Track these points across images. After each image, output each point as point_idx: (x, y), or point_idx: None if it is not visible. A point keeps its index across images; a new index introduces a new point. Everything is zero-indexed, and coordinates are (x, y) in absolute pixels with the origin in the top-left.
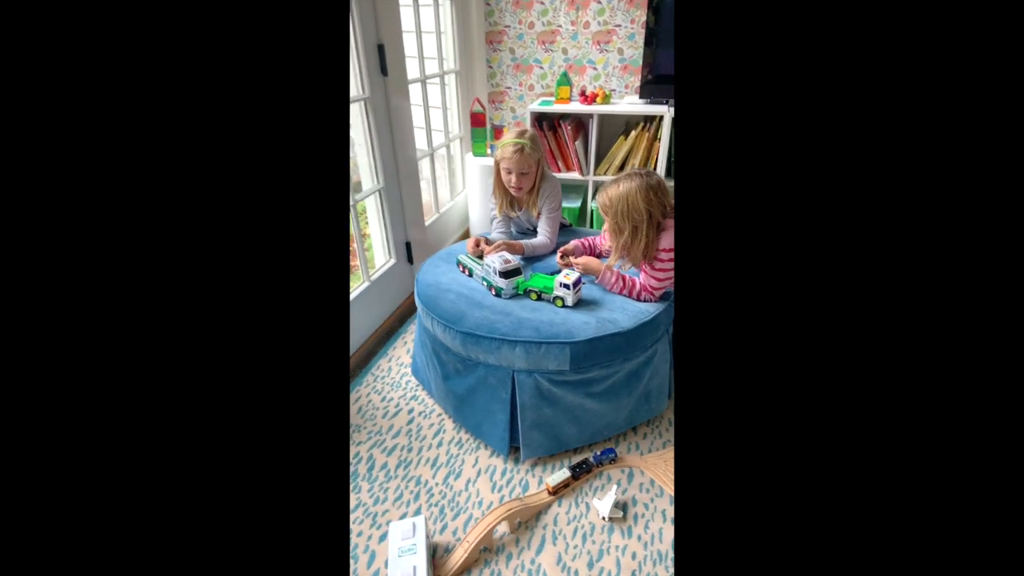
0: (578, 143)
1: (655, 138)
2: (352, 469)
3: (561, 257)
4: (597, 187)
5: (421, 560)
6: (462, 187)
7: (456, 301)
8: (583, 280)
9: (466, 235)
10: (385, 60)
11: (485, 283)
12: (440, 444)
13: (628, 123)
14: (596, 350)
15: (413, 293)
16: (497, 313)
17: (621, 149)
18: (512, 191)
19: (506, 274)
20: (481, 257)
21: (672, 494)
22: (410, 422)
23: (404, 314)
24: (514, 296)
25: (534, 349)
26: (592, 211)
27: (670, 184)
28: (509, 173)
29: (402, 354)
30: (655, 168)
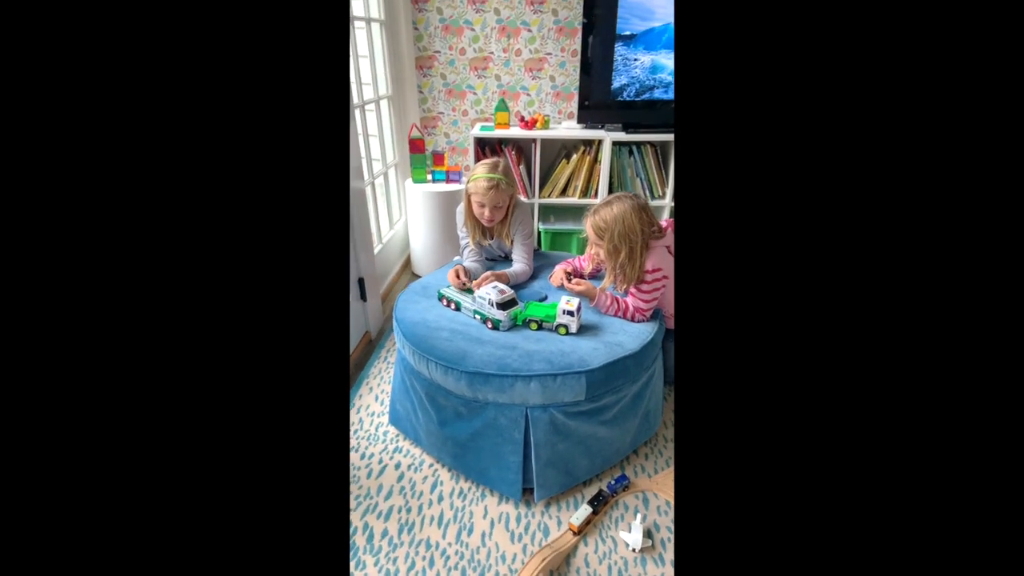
0: (521, 167)
1: (595, 160)
2: (350, 543)
3: (568, 279)
4: (543, 209)
5: None
6: (399, 215)
7: (452, 339)
8: (582, 308)
9: (407, 264)
10: None
11: (479, 317)
12: (441, 498)
13: (567, 147)
14: (610, 375)
15: (368, 331)
16: (502, 348)
17: (564, 172)
18: (484, 223)
19: (503, 305)
20: (464, 289)
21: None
22: (400, 478)
23: (362, 358)
24: (512, 328)
25: (550, 382)
26: (540, 233)
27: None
28: (482, 207)
29: (371, 402)
30: (597, 189)
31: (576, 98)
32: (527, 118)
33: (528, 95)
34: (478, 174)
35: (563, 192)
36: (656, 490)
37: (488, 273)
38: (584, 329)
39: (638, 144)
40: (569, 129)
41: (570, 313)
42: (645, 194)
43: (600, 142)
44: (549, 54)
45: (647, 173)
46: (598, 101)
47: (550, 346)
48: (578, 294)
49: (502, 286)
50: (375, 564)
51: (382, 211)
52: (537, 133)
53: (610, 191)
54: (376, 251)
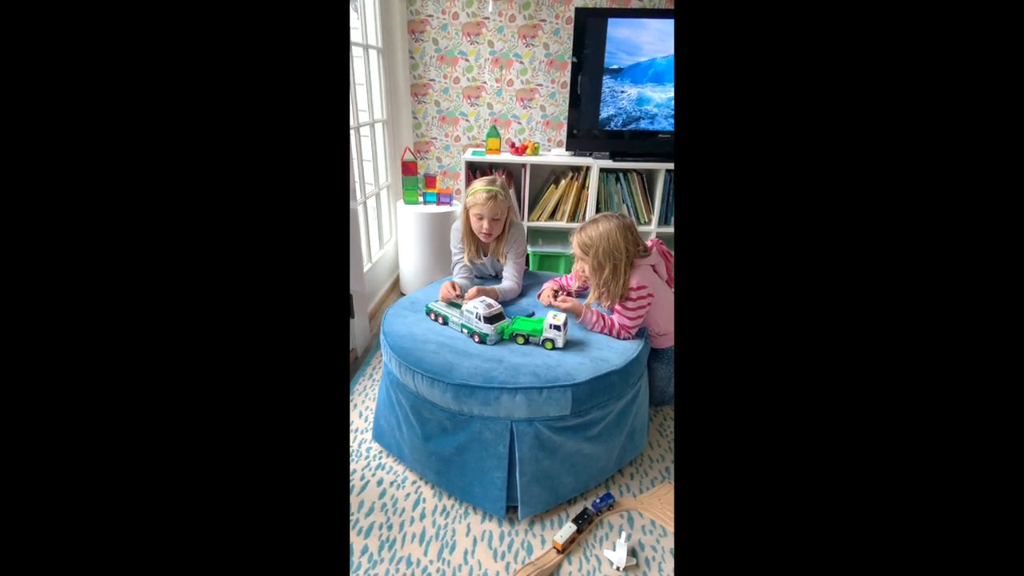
0: (511, 191)
1: (583, 186)
2: None
3: (555, 296)
4: (532, 232)
5: None
6: (390, 235)
7: (439, 352)
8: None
9: (396, 284)
10: None
11: (466, 331)
12: (423, 516)
13: (556, 173)
14: (595, 390)
15: (354, 348)
16: (489, 361)
17: (553, 196)
18: (482, 236)
19: (491, 319)
20: (454, 303)
21: (674, 532)
22: (382, 495)
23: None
24: (499, 342)
25: (535, 395)
26: (529, 255)
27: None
28: (480, 219)
29: (354, 419)
30: (584, 213)
31: (565, 127)
32: (518, 145)
33: (519, 123)
34: (477, 187)
35: (552, 216)
36: (642, 509)
37: (476, 288)
38: (570, 345)
39: (624, 172)
40: (558, 156)
41: (557, 328)
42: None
43: (588, 169)
44: (540, 85)
45: (633, 200)
46: (586, 130)
47: (536, 360)
48: (565, 311)
49: (490, 300)
50: None
51: (373, 231)
52: (527, 159)
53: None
54: (365, 269)
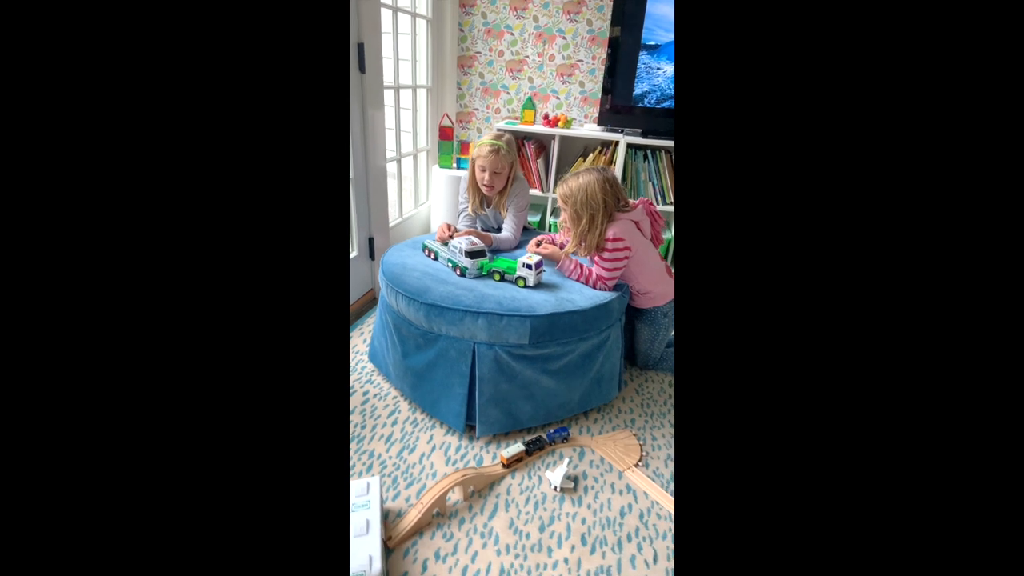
0: (540, 162)
1: (610, 161)
2: None
3: (536, 244)
4: (555, 204)
5: (375, 515)
6: (426, 198)
7: (421, 278)
8: (544, 265)
9: None
10: (364, 58)
11: (450, 264)
12: (395, 423)
13: (586, 147)
14: (555, 326)
15: (372, 288)
16: (461, 289)
17: (580, 168)
18: (484, 189)
19: (472, 254)
20: (447, 242)
21: (621, 470)
22: (365, 402)
23: (362, 309)
24: (478, 277)
25: (496, 321)
26: (550, 225)
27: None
28: (483, 171)
29: (358, 343)
30: None
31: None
32: (551, 117)
33: (557, 98)
34: (483, 140)
35: None
36: (594, 447)
37: (469, 230)
38: (544, 286)
39: (654, 149)
40: (590, 130)
41: (528, 267)
42: (657, 198)
43: (616, 144)
44: (580, 61)
45: (660, 178)
46: (619, 105)
47: (505, 293)
48: (544, 256)
49: (474, 239)
50: None
51: (408, 189)
52: (557, 131)
53: None
54: (394, 223)
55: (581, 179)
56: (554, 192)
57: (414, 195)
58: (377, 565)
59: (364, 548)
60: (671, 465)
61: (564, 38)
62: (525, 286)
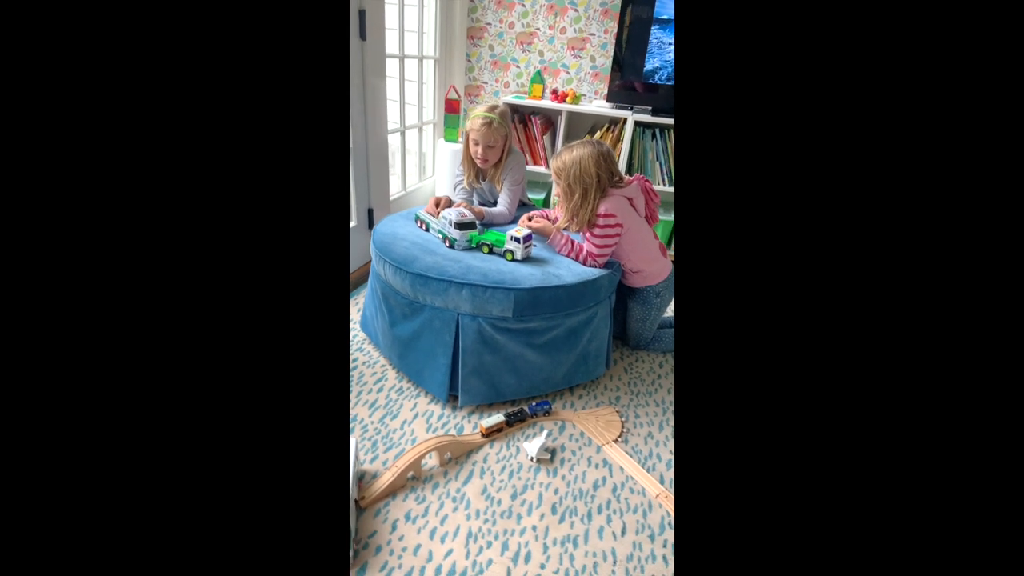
0: (546, 138)
1: (618, 140)
2: None
3: (528, 219)
4: None
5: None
6: (431, 172)
7: (410, 248)
8: (533, 240)
9: None
10: (365, 25)
11: (440, 235)
12: (381, 390)
13: (594, 124)
14: (539, 300)
15: (370, 259)
16: (447, 260)
17: None
18: (478, 162)
19: (461, 226)
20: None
21: (600, 445)
22: (353, 369)
23: (359, 279)
24: (467, 249)
25: (480, 292)
26: (555, 203)
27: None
28: (476, 144)
29: (352, 312)
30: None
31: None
32: (559, 92)
33: (568, 72)
34: (476, 113)
35: None
36: (576, 421)
37: (462, 202)
38: (533, 260)
39: (662, 128)
40: (598, 107)
41: (516, 240)
42: (663, 178)
43: (624, 121)
44: (592, 35)
45: (667, 158)
46: (629, 81)
47: (491, 265)
48: (535, 230)
49: (464, 210)
50: None
51: (413, 162)
52: (565, 106)
53: (628, 172)
54: (398, 195)
55: (575, 152)
56: None
57: (419, 168)
58: None
59: None
60: (650, 442)
61: (576, 10)
62: (513, 259)
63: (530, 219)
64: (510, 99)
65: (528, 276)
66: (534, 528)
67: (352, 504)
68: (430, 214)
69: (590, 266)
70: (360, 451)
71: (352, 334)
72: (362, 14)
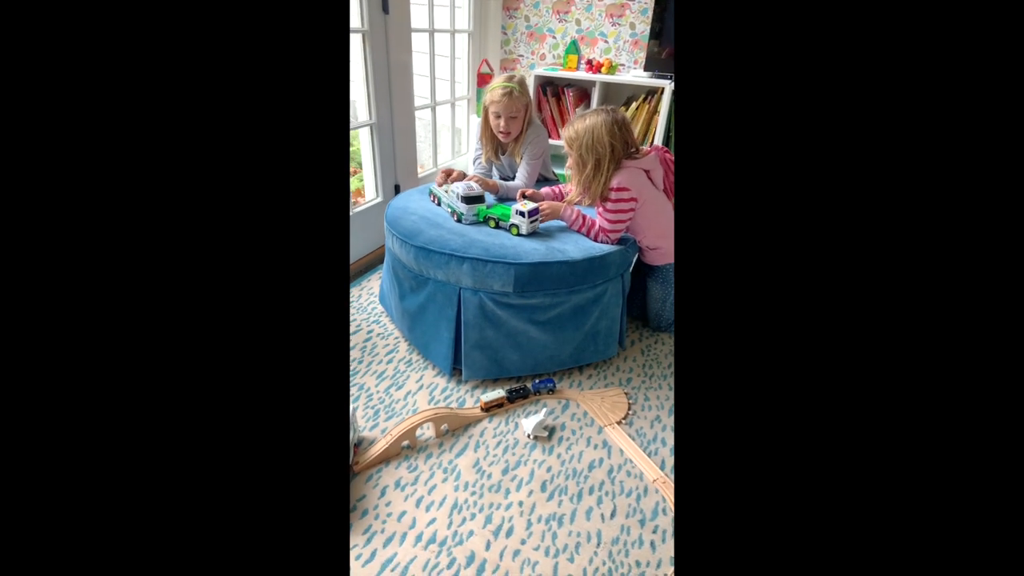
0: (579, 109)
1: (655, 110)
2: None
3: (522, 196)
4: None
5: None
6: (465, 150)
7: (417, 222)
8: (539, 214)
9: None
10: None
11: (450, 209)
12: (391, 361)
13: (631, 95)
14: (541, 276)
15: None
16: (452, 233)
17: None
18: (500, 136)
19: (468, 199)
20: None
21: (602, 426)
22: (367, 340)
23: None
24: (474, 223)
25: (480, 267)
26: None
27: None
28: (498, 117)
29: (375, 286)
30: (652, 140)
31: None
32: (594, 62)
33: (606, 42)
34: (494, 84)
35: None
36: (580, 400)
37: (475, 175)
38: (541, 235)
39: None
40: (635, 76)
41: (521, 214)
42: None
43: (661, 91)
44: (632, 0)
45: None
46: (668, 48)
47: (495, 239)
48: (545, 216)
49: (474, 184)
50: None
51: (444, 139)
52: (599, 77)
53: (665, 143)
54: (427, 172)
55: (588, 120)
56: None
57: (452, 145)
58: None
59: None
60: (656, 426)
61: None
62: (518, 234)
63: (524, 196)
64: (543, 71)
65: (531, 251)
66: (520, 504)
67: None
68: (440, 186)
69: (602, 242)
70: (362, 418)
71: (371, 306)
72: None
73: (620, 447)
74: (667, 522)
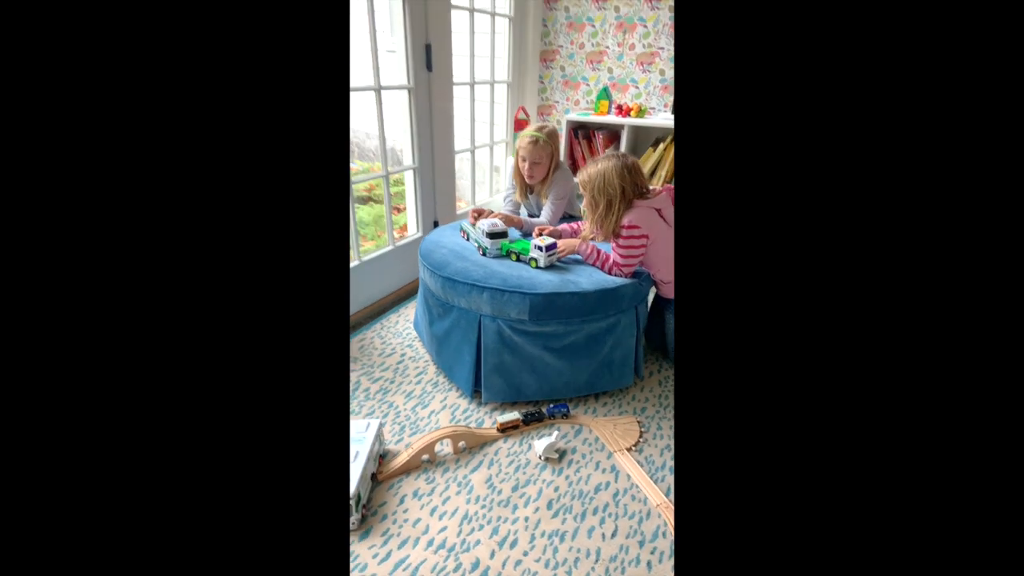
0: (608, 151)
1: None
2: None
3: (538, 233)
4: None
5: (365, 448)
6: (501, 188)
7: (447, 255)
8: (556, 249)
9: None
10: (431, 58)
11: (476, 244)
12: (420, 382)
13: (658, 137)
14: (554, 305)
15: None
16: (476, 266)
17: (649, 160)
18: (526, 177)
19: (492, 235)
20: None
21: (613, 451)
22: (400, 363)
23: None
24: (498, 256)
25: (498, 296)
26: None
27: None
28: (524, 161)
29: (411, 313)
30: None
31: None
32: (624, 107)
33: (636, 87)
34: (525, 132)
35: (648, 179)
36: (592, 426)
37: (500, 213)
38: (558, 268)
39: None
40: (664, 119)
41: (539, 248)
42: None
43: None
44: (662, 48)
45: None
46: None
47: (514, 271)
48: (563, 253)
49: (498, 221)
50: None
51: (482, 180)
52: (627, 120)
53: None
54: (465, 208)
55: (599, 165)
56: None
57: (490, 185)
58: (352, 487)
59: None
60: (667, 454)
61: (645, 26)
62: (537, 267)
63: (540, 233)
64: (576, 116)
65: (546, 282)
66: (526, 519)
67: (360, 472)
68: (471, 224)
69: (615, 275)
70: (389, 433)
71: (406, 331)
72: (428, 48)
73: (628, 472)
74: (666, 544)
